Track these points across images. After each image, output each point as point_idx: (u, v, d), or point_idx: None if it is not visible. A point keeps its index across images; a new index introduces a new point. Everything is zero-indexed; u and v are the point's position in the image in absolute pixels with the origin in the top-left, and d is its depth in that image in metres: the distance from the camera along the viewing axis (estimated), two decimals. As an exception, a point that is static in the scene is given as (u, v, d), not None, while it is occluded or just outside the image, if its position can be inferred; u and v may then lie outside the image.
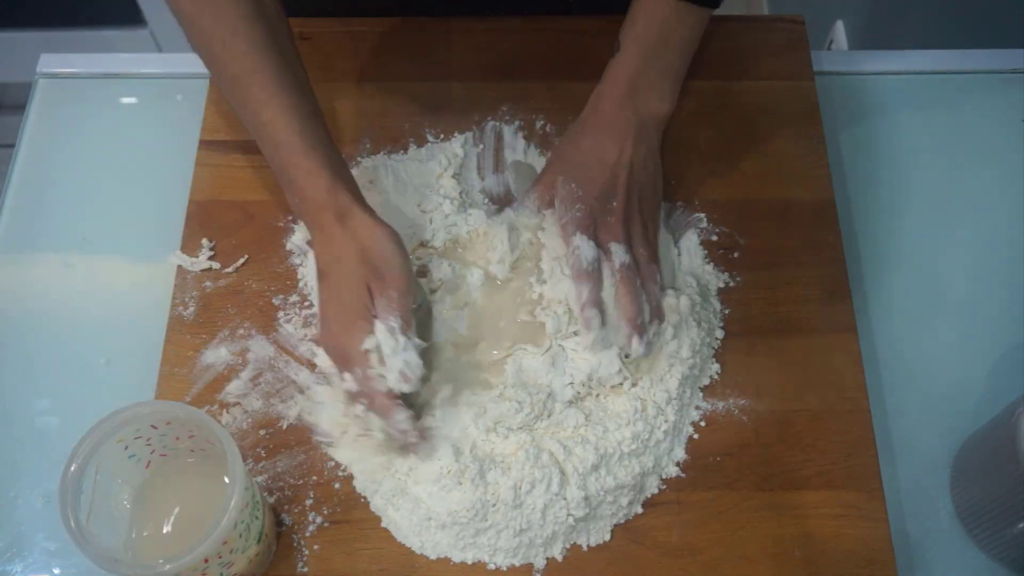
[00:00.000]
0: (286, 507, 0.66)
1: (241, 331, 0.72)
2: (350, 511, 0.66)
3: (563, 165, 0.72)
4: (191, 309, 0.73)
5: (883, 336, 0.75)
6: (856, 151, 0.83)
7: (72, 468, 0.53)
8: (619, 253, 0.67)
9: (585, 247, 0.67)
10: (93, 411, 0.70)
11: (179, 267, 0.74)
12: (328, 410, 0.67)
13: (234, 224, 0.77)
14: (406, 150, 0.80)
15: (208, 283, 0.74)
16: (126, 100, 0.87)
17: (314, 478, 0.67)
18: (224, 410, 0.69)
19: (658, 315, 0.68)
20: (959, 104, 0.86)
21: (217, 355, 0.71)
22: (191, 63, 0.87)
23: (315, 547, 0.65)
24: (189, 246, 0.75)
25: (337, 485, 0.67)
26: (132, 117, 0.86)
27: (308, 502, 0.66)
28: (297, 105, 0.64)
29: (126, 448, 0.57)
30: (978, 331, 0.75)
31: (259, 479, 0.67)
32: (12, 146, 0.83)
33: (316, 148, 0.64)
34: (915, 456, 0.70)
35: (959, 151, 0.84)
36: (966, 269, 0.78)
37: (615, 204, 0.69)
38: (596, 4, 0.86)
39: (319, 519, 0.66)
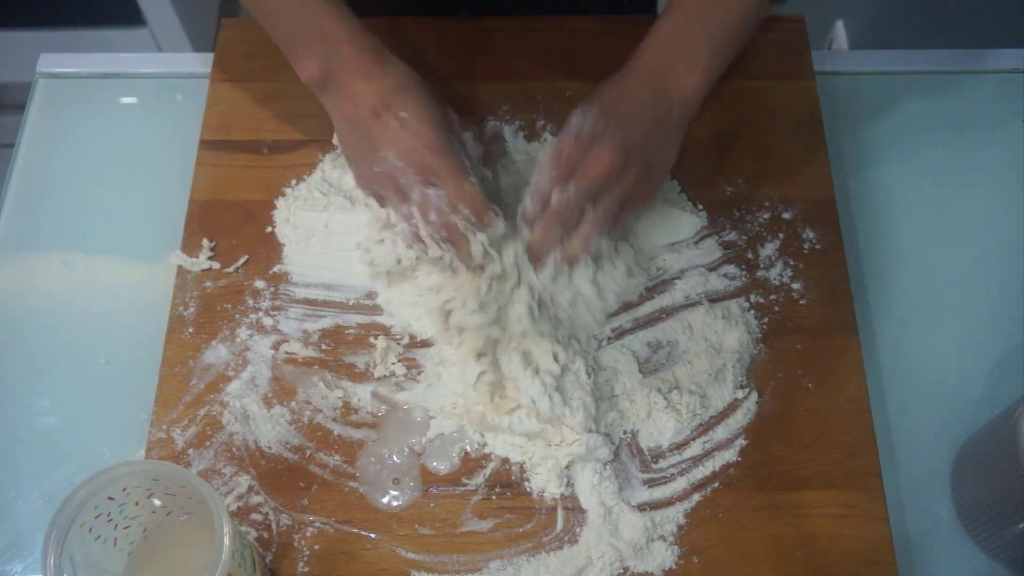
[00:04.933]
0: (287, 507, 0.66)
1: (241, 331, 0.72)
2: (351, 511, 0.66)
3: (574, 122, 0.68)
4: (191, 309, 0.73)
5: (883, 336, 0.75)
6: (856, 151, 0.83)
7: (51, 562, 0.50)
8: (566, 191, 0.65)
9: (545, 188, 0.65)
10: (93, 411, 0.71)
11: (179, 267, 0.74)
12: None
13: (234, 224, 0.77)
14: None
15: (208, 283, 0.74)
16: (126, 100, 0.87)
17: (317, 477, 0.67)
18: (224, 409, 0.69)
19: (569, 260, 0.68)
20: (959, 104, 0.86)
21: (217, 355, 0.71)
22: (191, 63, 0.88)
23: (316, 547, 0.65)
24: (189, 246, 0.75)
25: (339, 484, 0.67)
26: (132, 117, 0.86)
27: (308, 502, 0.66)
28: None
29: (90, 531, 0.54)
30: (978, 331, 0.75)
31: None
32: (12, 146, 0.83)
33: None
34: (915, 456, 0.70)
35: (959, 151, 0.84)
36: (966, 269, 0.78)
37: (600, 162, 0.65)
38: (595, 4, 0.86)
39: (320, 519, 0.66)
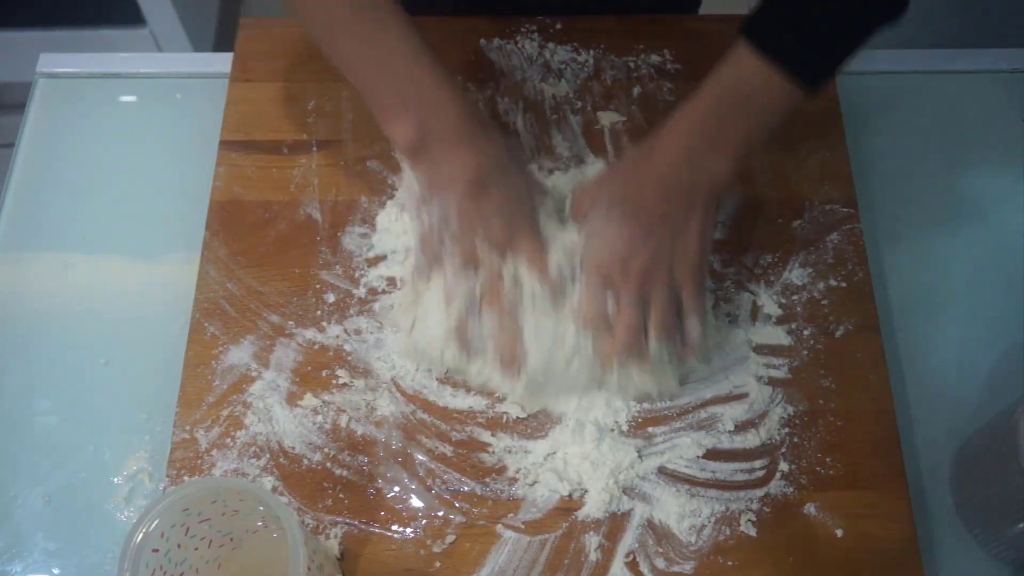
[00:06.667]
0: (311, 507, 0.66)
1: (264, 332, 0.72)
2: (375, 512, 0.66)
3: (602, 199, 0.69)
4: (213, 310, 0.72)
5: (884, 336, 0.74)
6: (855, 151, 0.83)
7: None
8: (627, 309, 0.66)
9: (599, 300, 0.67)
10: (93, 411, 0.71)
11: (201, 267, 0.74)
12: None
13: (254, 225, 0.76)
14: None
15: (230, 284, 0.74)
16: (126, 100, 0.87)
17: (340, 478, 0.67)
18: (247, 410, 0.69)
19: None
20: (959, 104, 0.86)
21: (240, 356, 0.71)
22: (191, 63, 0.88)
23: (340, 547, 0.64)
24: (210, 247, 0.75)
25: (363, 485, 0.66)
26: (132, 117, 0.86)
27: (331, 502, 0.66)
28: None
29: None
30: (978, 331, 0.75)
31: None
32: (12, 146, 0.83)
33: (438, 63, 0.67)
34: (915, 456, 0.70)
35: (959, 151, 0.84)
36: (966, 269, 0.78)
37: (638, 262, 0.66)
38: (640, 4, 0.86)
39: (344, 519, 0.65)
